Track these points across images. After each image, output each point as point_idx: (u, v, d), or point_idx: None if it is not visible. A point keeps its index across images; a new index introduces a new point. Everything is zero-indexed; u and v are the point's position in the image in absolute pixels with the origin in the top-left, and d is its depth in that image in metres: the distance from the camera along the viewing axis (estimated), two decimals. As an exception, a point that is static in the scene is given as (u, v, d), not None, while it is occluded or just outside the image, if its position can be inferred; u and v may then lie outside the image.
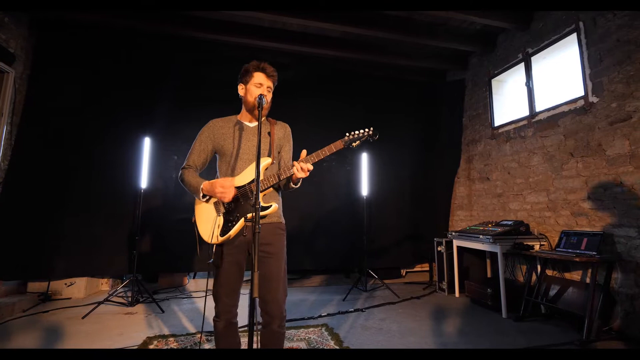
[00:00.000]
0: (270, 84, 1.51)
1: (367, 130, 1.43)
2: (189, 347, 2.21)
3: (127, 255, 3.44)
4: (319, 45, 3.99)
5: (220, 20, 3.63)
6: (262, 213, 1.38)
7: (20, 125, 3.36)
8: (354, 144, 1.43)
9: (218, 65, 3.98)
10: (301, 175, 1.37)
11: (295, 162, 1.38)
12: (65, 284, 3.34)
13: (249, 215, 1.38)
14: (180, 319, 2.80)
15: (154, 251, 3.61)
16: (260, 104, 1.35)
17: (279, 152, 1.57)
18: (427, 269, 4.60)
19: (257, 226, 1.08)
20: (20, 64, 3.46)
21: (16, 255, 3.07)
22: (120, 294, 3.41)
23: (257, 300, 1.02)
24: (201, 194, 1.41)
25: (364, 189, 3.91)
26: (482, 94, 4.22)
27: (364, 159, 3.96)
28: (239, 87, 1.54)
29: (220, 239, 1.40)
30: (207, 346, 2.22)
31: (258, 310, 1.42)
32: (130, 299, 3.14)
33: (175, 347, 2.20)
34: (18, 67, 3.42)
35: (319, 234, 4.17)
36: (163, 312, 2.96)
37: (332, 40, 4.00)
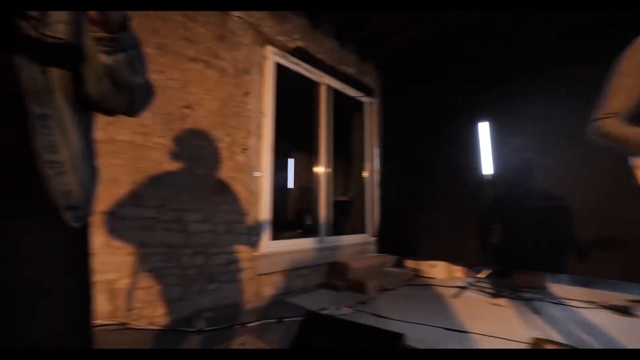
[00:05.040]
0: None
1: None
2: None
3: (478, 246, 3.37)
4: None
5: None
6: None
7: (381, 140, 4.45)
8: None
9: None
10: None
11: None
12: (429, 265, 3.85)
13: None
14: (563, 328, 2.22)
15: (503, 244, 3.30)
16: None
17: None
18: None
19: None
20: (376, 95, 4.62)
21: (394, 239, 4.01)
22: (476, 284, 3.38)
23: None
24: None
25: None
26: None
27: None
28: None
29: None
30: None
31: None
32: (491, 290, 3.01)
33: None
34: (375, 98, 4.59)
35: None
36: (539, 313, 2.51)
37: None
